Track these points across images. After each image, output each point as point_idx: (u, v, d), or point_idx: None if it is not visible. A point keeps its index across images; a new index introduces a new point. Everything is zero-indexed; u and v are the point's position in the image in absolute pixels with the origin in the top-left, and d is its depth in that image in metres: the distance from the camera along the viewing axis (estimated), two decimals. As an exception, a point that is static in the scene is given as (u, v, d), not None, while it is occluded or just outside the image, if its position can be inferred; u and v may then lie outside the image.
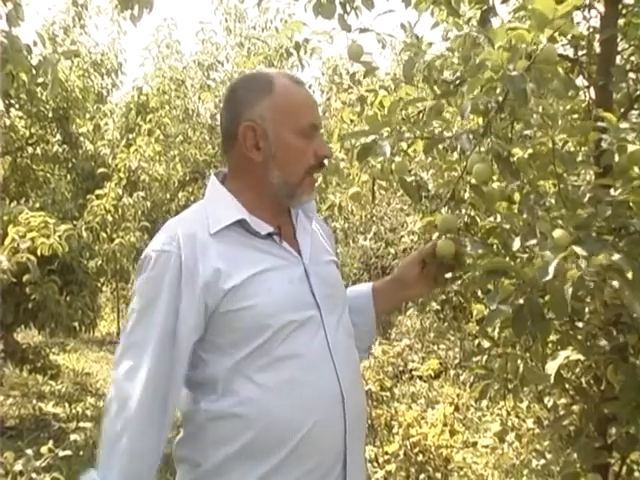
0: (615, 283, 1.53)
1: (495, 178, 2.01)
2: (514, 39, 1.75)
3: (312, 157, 1.72)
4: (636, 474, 2.33)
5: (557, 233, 1.62)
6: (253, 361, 1.61)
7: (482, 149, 1.87)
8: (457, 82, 2.17)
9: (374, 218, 8.00)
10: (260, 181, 1.74)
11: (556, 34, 1.82)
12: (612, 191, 1.88)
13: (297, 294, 1.69)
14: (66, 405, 7.11)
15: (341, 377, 1.67)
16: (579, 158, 2.13)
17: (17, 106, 7.83)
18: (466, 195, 2.12)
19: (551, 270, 1.52)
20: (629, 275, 1.53)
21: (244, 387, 1.61)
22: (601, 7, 2.24)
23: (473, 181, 1.93)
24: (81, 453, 5.28)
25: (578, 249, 1.52)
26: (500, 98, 1.82)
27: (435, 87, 2.18)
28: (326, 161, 1.80)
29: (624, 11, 2.31)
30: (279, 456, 1.60)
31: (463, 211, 2.17)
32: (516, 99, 1.72)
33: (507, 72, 1.71)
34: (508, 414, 3.91)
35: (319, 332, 1.68)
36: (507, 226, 2.00)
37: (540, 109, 1.85)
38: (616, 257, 1.52)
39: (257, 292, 1.62)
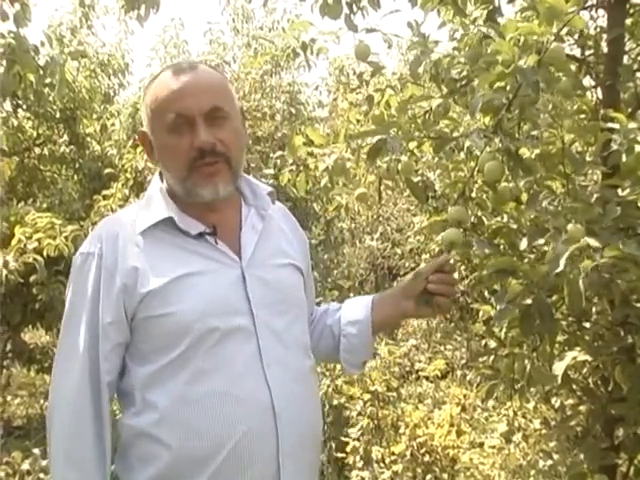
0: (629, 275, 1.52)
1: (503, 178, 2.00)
2: (524, 32, 1.74)
3: (189, 150, 1.58)
4: (644, 475, 2.32)
5: (571, 227, 1.61)
6: (173, 371, 1.53)
7: (492, 148, 1.86)
8: (464, 81, 2.16)
9: (380, 218, 8.00)
10: (167, 182, 1.67)
11: (563, 34, 1.82)
12: (620, 191, 1.87)
13: (226, 299, 1.58)
14: (73, 405, 7.10)
15: (274, 389, 1.55)
16: (587, 158, 2.12)
17: (24, 107, 7.85)
18: (475, 195, 2.11)
19: (562, 262, 1.48)
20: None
21: (162, 400, 1.53)
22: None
23: (484, 180, 1.93)
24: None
25: (591, 240, 1.50)
26: (510, 95, 1.81)
27: (443, 85, 2.17)
28: (223, 147, 1.61)
29: (631, 11, 2.30)
30: (204, 476, 1.51)
31: (470, 212, 2.17)
32: (529, 91, 1.71)
33: (518, 65, 1.70)
34: (515, 414, 3.90)
35: (250, 342, 1.57)
36: (514, 226, 1.99)
37: (550, 107, 1.85)
38: (632, 248, 1.50)
39: (179, 297, 1.53)
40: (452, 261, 1.81)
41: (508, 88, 1.81)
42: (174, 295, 1.54)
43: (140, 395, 1.55)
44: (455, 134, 2.05)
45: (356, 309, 1.85)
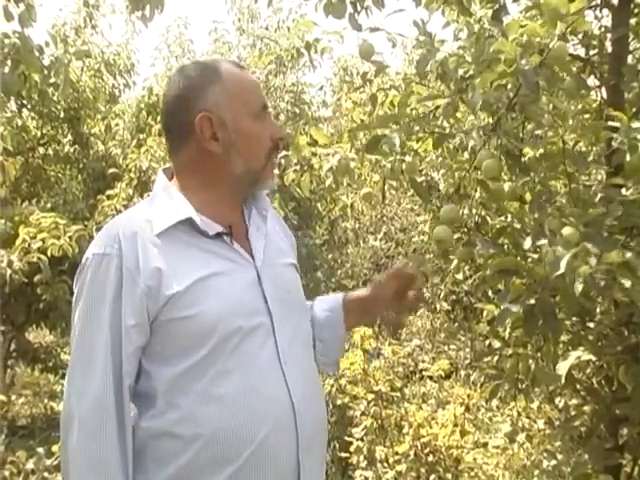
0: (626, 281, 1.52)
1: (506, 178, 2.00)
2: (527, 33, 1.73)
3: (269, 140, 1.64)
4: (648, 475, 2.32)
5: (566, 230, 1.61)
6: (200, 371, 1.50)
7: (492, 146, 1.86)
8: (469, 80, 2.16)
9: (384, 218, 7.99)
10: (219, 174, 1.63)
11: (568, 33, 1.81)
12: (623, 191, 1.87)
13: (247, 300, 1.57)
14: (77, 404, 7.11)
15: (292, 389, 1.55)
16: (590, 158, 2.12)
17: (29, 107, 7.87)
18: (475, 194, 2.11)
19: (563, 264, 1.49)
20: (640, 274, 1.52)
21: (186, 401, 1.49)
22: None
23: (481, 177, 1.92)
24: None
25: (589, 246, 1.51)
26: (511, 94, 1.81)
27: (451, 84, 2.16)
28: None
29: (636, 10, 2.30)
30: (227, 473, 1.48)
31: (473, 211, 2.16)
32: (528, 92, 1.71)
33: (520, 65, 1.69)
34: (519, 414, 3.90)
35: (269, 340, 1.56)
36: (518, 226, 1.99)
37: (551, 107, 1.84)
38: (628, 255, 1.51)
39: (203, 299, 1.51)
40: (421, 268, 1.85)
41: (509, 87, 1.81)
42: (199, 296, 1.51)
43: (163, 397, 1.52)
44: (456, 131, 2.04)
45: (329, 312, 1.86)
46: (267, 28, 10.82)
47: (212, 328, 1.51)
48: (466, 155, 2.31)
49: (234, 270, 1.59)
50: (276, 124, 1.67)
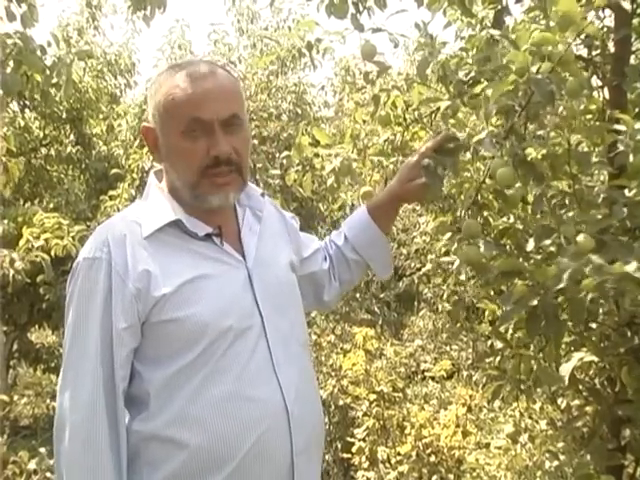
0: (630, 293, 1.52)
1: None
2: (538, 41, 1.72)
3: (204, 157, 1.56)
4: (650, 476, 2.31)
5: (581, 238, 1.60)
6: (191, 373, 1.51)
7: (504, 153, 1.84)
8: (471, 82, 2.16)
9: (386, 218, 7.97)
10: (172, 183, 1.64)
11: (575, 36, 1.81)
12: (626, 192, 1.87)
13: (237, 301, 1.57)
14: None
15: (285, 391, 1.56)
16: (593, 159, 2.11)
17: (31, 107, 7.88)
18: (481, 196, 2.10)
19: (565, 278, 1.50)
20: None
21: (178, 404, 1.50)
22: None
23: (497, 186, 1.91)
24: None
25: (594, 257, 1.51)
26: (523, 102, 1.79)
27: (451, 87, 2.16)
28: (237, 156, 1.60)
29: (639, 10, 2.30)
30: (221, 476, 1.48)
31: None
32: (543, 101, 1.70)
33: (532, 75, 1.69)
34: (521, 415, 3.89)
35: (260, 342, 1.57)
36: (520, 227, 1.99)
37: (561, 109, 1.84)
38: (632, 267, 1.49)
39: (192, 300, 1.52)
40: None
41: (520, 93, 1.80)
42: (187, 299, 1.52)
43: (155, 399, 1.52)
44: (461, 134, 2.04)
45: (364, 231, 1.98)
46: (267, 28, 10.82)
47: (202, 330, 1.51)
48: (468, 155, 2.30)
49: (224, 271, 1.59)
50: (217, 139, 1.56)
